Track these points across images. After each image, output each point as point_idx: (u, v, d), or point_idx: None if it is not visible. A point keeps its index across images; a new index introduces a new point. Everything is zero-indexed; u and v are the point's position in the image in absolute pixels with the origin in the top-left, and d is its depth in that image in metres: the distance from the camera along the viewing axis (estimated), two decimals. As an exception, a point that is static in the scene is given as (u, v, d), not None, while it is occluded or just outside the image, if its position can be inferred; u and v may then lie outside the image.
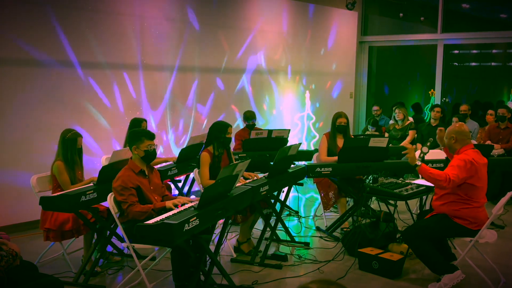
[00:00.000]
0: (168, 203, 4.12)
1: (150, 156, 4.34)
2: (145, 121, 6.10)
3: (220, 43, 8.23)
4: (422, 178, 5.34)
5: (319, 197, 6.38)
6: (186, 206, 4.07)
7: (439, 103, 10.27)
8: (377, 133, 8.40)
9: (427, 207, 5.55)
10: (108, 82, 6.87)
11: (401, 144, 8.08)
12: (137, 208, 4.10)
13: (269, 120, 9.24)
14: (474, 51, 12.75)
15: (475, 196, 4.40)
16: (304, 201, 7.76)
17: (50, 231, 4.71)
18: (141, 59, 7.19)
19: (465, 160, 4.34)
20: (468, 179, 4.35)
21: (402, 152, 4.69)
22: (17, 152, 6.06)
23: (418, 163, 4.46)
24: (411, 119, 9.22)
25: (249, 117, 7.43)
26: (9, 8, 5.88)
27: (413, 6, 11.16)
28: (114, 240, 4.93)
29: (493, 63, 13.19)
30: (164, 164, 6.00)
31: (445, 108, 9.32)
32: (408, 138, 8.20)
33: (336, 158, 5.85)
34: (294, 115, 9.80)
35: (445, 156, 5.21)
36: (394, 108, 8.64)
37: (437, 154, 6.19)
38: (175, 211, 3.95)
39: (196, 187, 6.84)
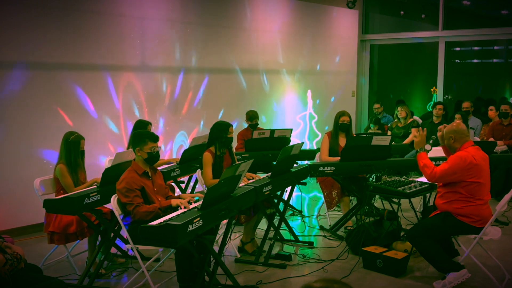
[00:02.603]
0: (174, 201, 4.14)
1: (153, 158, 4.34)
2: (150, 124, 6.08)
3: (221, 43, 8.23)
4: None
5: (322, 196, 6.38)
6: (191, 206, 4.08)
7: (441, 100, 10.25)
8: (379, 131, 8.40)
9: (431, 204, 5.55)
10: (111, 84, 6.87)
11: (404, 142, 8.06)
12: (143, 208, 4.10)
13: (271, 119, 9.24)
14: (476, 48, 12.73)
15: (478, 194, 4.39)
16: (307, 200, 7.76)
17: (54, 234, 4.71)
18: (142, 60, 7.19)
19: (461, 157, 4.34)
20: (468, 178, 4.34)
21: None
22: (20, 155, 6.06)
23: (420, 150, 4.70)
24: (416, 118, 9.20)
25: (252, 116, 7.43)
26: (10, 11, 5.90)
27: (414, 3, 11.14)
28: (118, 241, 4.94)
29: (494, 60, 13.16)
30: (167, 165, 6.00)
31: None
32: (411, 136, 8.19)
33: (337, 159, 5.84)
34: (296, 114, 9.80)
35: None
36: (396, 106, 8.63)
37: (440, 151, 6.17)
38: (179, 211, 3.96)
39: (199, 188, 6.84)
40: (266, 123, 9.00)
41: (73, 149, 4.87)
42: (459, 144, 4.50)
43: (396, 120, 8.58)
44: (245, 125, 7.56)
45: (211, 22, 8.07)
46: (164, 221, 3.66)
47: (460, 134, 4.50)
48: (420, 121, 9.02)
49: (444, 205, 4.48)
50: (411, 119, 8.46)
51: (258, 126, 7.51)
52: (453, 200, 4.43)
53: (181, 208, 4.07)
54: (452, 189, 4.42)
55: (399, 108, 8.46)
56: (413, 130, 8.23)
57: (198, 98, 7.96)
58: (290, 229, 5.74)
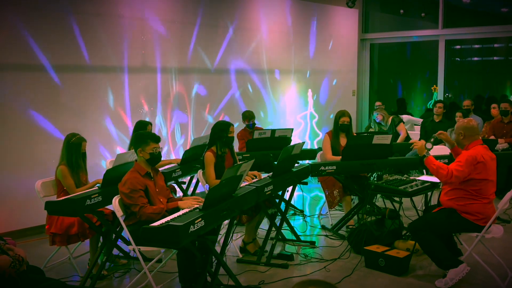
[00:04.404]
0: (182, 204, 4.14)
1: (155, 159, 4.35)
2: (150, 124, 6.09)
3: (221, 43, 8.23)
4: (428, 174, 5.35)
5: (323, 195, 6.37)
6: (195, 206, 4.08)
7: (441, 98, 10.23)
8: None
9: (433, 203, 5.54)
10: (110, 85, 6.87)
11: (398, 141, 7.96)
12: (150, 209, 4.10)
13: (272, 119, 9.24)
14: (476, 46, 12.72)
15: (484, 192, 4.39)
16: (309, 200, 7.76)
17: (56, 235, 4.72)
18: (142, 61, 7.19)
19: (473, 156, 4.34)
20: (475, 175, 4.34)
21: (411, 147, 4.81)
22: (21, 157, 6.07)
23: (426, 154, 4.60)
24: (409, 119, 9.07)
25: (248, 116, 7.44)
26: (9, 12, 5.90)
27: (414, 2, 11.14)
28: (120, 243, 4.94)
29: (495, 58, 13.15)
30: (168, 166, 6.00)
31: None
32: (403, 133, 8.04)
33: (340, 158, 5.83)
34: (297, 114, 9.79)
35: (449, 152, 5.20)
36: (373, 112, 8.50)
37: (441, 150, 6.18)
38: (180, 212, 3.96)
39: (201, 189, 6.84)
40: (266, 123, 9.00)
41: (74, 150, 4.87)
42: (468, 141, 4.50)
43: (377, 126, 8.36)
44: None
45: (211, 22, 8.06)
46: (166, 222, 3.66)
47: (470, 132, 4.50)
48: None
49: (449, 201, 4.48)
50: (390, 117, 8.29)
51: (256, 125, 7.52)
52: (458, 197, 4.43)
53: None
54: (458, 186, 4.42)
55: (375, 113, 8.28)
56: (400, 129, 8.06)
57: (198, 98, 7.96)
58: (292, 229, 5.73)
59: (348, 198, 6.15)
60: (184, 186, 6.41)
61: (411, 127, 9.61)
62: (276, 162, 5.18)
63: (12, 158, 6.00)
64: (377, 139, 5.71)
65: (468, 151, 4.43)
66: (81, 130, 6.40)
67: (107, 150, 6.87)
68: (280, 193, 5.43)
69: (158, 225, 3.63)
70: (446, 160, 5.85)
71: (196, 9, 7.85)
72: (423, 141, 4.72)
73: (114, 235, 4.67)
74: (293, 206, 6.95)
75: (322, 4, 10.03)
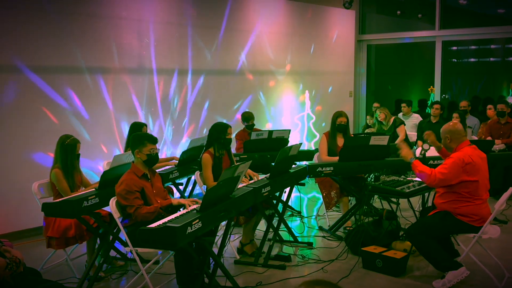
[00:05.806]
0: (174, 200, 4.14)
1: (152, 160, 4.34)
2: (145, 125, 6.09)
3: (218, 45, 8.23)
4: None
5: (321, 196, 6.38)
6: (190, 208, 4.07)
7: (438, 99, 10.25)
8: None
9: (429, 204, 5.56)
10: (108, 87, 6.86)
11: (396, 142, 7.97)
12: (144, 210, 4.10)
13: (269, 120, 9.24)
14: (473, 47, 12.75)
15: (477, 193, 4.39)
16: (306, 201, 7.76)
17: (53, 239, 4.69)
18: (140, 62, 7.19)
19: (460, 158, 4.34)
20: (466, 177, 4.34)
21: (398, 152, 4.77)
22: (19, 159, 6.05)
23: (412, 159, 4.59)
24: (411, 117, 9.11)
25: (247, 117, 7.44)
26: (6, 14, 5.89)
27: (411, 3, 11.16)
28: (117, 244, 4.93)
29: (491, 59, 13.19)
30: (165, 167, 5.99)
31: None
32: (401, 135, 8.04)
33: (337, 158, 5.84)
34: (294, 115, 9.80)
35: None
36: (374, 110, 8.48)
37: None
38: (178, 214, 3.95)
39: (198, 190, 6.84)
40: (264, 124, 9.00)
41: (69, 152, 4.84)
42: (455, 144, 4.51)
43: (378, 125, 8.34)
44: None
45: (209, 23, 8.06)
46: (163, 223, 3.66)
47: (456, 134, 4.50)
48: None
49: (443, 204, 4.48)
50: (393, 118, 8.27)
51: (255, 126, 7.52)
52: (452, 200, 4.43)
53: (184, 208, 4.08)
54: (451, 189, 4.43)
55: (377, 111, 8.27)
56: (400, 130, 8.05)
57: (195, 99, 7.96)
58: (289, 230, 5.73)
59: (345, 199, 6.16)
60: (182, 188, 6.41)
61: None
62: (273, 163, 5.18)
63: (8, 159, 5.98)
64: (374, 140, 5.72)
65: (455, 153, 4.42)
66: (78, 131, 6.41)
67: (105, 152, 6.85)
68: (277, 194, 5.43)
69: (155, 226, 3.62)
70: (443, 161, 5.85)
71: (193, 11, 7.85)
72: (408, 150, 4.71)
73: (111, 237, 4.66)
74: (290, 207, 6.95)
75: (319, 6, 10.04)
